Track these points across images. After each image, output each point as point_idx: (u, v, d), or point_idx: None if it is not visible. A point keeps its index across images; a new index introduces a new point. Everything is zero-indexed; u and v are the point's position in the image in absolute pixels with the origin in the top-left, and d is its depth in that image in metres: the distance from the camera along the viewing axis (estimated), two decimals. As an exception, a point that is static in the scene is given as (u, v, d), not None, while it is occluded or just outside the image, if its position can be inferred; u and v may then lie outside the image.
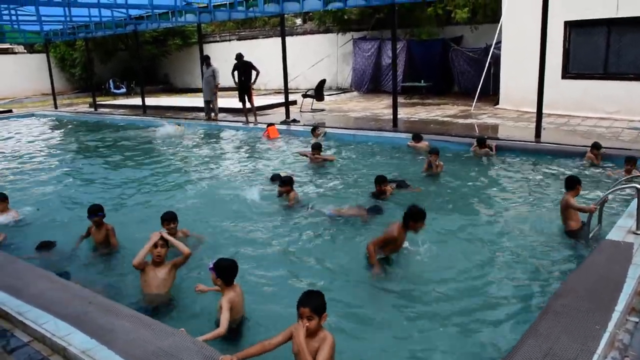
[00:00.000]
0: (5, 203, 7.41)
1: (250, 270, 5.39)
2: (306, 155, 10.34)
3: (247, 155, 12.08)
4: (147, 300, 4.81)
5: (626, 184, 6.15)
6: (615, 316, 3.75)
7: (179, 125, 15.83)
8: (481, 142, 10.36)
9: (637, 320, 3.93)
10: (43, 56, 26.12)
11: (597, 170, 8.87)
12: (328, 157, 10.50)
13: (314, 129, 12.66)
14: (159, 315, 4.49)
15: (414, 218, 5.24)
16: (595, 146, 9.21)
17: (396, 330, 4.32)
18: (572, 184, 6.26)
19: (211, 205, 7.96)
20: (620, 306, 3.88)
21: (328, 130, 13.39)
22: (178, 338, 3.67)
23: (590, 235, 5.76)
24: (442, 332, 4.26)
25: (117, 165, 11.39)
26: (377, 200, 7.60)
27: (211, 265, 4.27)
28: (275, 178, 8.76)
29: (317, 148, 10.23)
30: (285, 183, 7.77)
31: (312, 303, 3.41)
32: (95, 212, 6.10)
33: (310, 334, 3.41)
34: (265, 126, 14.00)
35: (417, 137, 11.15)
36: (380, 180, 7.62)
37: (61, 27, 20.85)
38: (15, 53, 31.39)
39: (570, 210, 6.13)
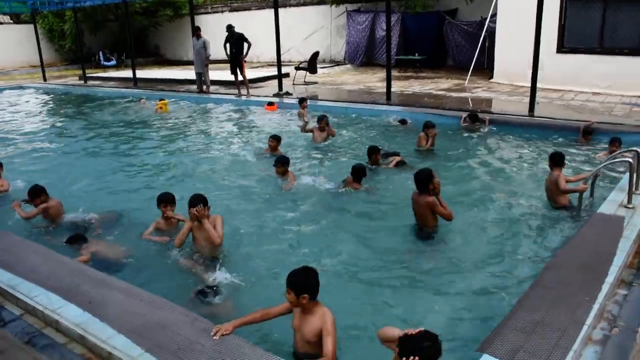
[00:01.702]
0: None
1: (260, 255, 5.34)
2: (312, 131, 9.94)
3: (240, 127, 12.01)
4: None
5: (618, 159, 6.16)
6: (605, 288, 3.79)
7: (144, 99, 15.72)
8: (474, 117, 10.31)
9: (626, 292, 3.97)
10: (30, 27, 25.63)
11: (586, 148, 8.87)
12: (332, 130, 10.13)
13: (302, 100, 12.57)
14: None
15: (429, 178, 5.32)
16: (586, 131, 9.15)
17: (381, 296, 4.43)
18: (561, 160, 6.23)
19: (206, 181, 7.89)
20: (610, 278, 3.92)
21: (321, 103, 13.30)
22: (170, 310, 3.68)
23: (582, 207, 5.80)
24: (429, 304, 4.30)
25: (106, 141, 11.21)
26: (371, 171, 7.58)
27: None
28: (275, 137, 8.87)
29: (323, 119, 9.81)
30: (280, 163, 7.37)
31: (289, 278, 3.42)
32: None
33: (306, 311, 3.44)
34: (259, 99, 13.85)
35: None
36: (373, 151, 7.62)
37: (49, -4, 20.43)
38: (1, 23, 30.73)
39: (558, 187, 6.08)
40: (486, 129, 10.19)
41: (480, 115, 10.50)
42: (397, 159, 7.98)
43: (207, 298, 4.32)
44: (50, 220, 6.14)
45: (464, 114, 10.61)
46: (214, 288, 4.44)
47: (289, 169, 7.48)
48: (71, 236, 5.43)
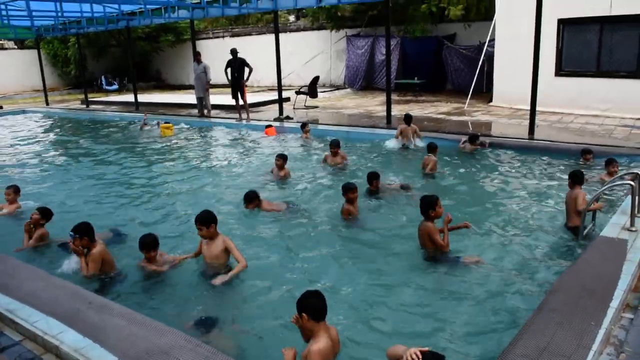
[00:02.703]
0: (17, 195, 7.58)
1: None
2: (326, 161, 9.84)
3: (240, 151, 12.05)
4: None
5: (620, 182, 6.16)
6: (611, 312, 3.75)
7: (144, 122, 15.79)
8: (473, 139, 10.36)
9: (632, 316, 3.93)
10: (34, 52, 25.90)
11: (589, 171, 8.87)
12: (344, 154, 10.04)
13: (304, 125, 12.65)
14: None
15: (432, 205, 5.38)
16: (586, 151, 9.18)
17: (383, 319, 4.39)
18: (581, 177, 6.26)
19: (205, 203, 7.87)
20: (615, 302, 3.88)
21: (322, 127, 13.36)
22: (172, 336, 3.63)
23: (585, 232, 5.78)
24: (433, 330, 4.25)
25: (107, 163, 11.25)
26: (372, 197, 7.58)
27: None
28: (281, 156, 9.01)
29: (335, 145, 9.72)
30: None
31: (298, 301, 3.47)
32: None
33: (306, 334, 3.46)
34: (259, 123, 13.92)
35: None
36: (373, 177, 7.60)
37: (52, 22, 20.66)
38: (5, 49, 31.08)
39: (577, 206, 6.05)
40: (486, 151, 10.22)
41: (481, 138, 10.53)
42: (398, 184, 7.98)
43: (205, 328, 4.24)
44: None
45: (464, 137, 10.66)
46: (213, 318, 4.38)
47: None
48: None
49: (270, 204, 7.25)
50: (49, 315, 3.96)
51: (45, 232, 6.28)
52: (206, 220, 5.20)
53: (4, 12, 16.17)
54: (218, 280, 4.96)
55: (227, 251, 5.27)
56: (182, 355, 3.38)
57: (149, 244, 5.23)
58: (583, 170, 6.68)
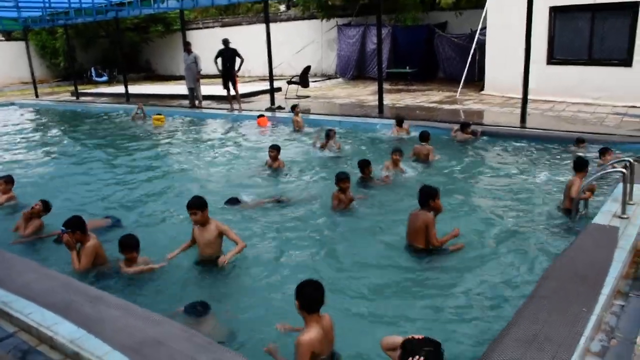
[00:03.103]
0: (10, 185, 7.56)
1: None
2: (323, 147, 9.94)
3: (232, 141, 12.02)
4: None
5: (611, 169, 6.21)
6: (602, 299, 3.79)
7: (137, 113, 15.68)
8: (464, 127, 10.38)
9: (623, 303, 3.98)
10: (22, 44, 25.61)
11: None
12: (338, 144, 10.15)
13: (294, 107, 12.66)
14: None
15: (432, 195, 5.29)
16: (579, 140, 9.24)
17: (377, 309, 4.40)
18: (580, 165, 6.31)
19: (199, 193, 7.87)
20: (606, 289, 3.92)
21: (313, 117, 13.35)
22: (167, 326, 3.64)
23: (577, 217, 5.84)
24: (427, 316, 4.28)
25: (99, 154, 11.20)
26: (364, 185, 7.58)
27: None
28: (275, 147, 8.95)
29: (329, 136, 9.87)
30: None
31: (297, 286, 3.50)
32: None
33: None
34: (250, 113, 13.90)
35: (399, 122, 11.12)
36: (365, 165, 7.60)
37: (40, 13, 20.41)
38: (-8, 40, 30.78)
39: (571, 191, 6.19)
40: (478, 140, 10.25)
41: (473, 127, 10.55)
42: (391, 172, 8.00)
43: (196, 314, 4.24)
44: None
45: (455, 126, 10.68)
46: (203, 304, 4.36)
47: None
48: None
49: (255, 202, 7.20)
50: (44, 307, 3.95)
51: (41, 223, 6.31)
52: (200, 205, 5.23)
53: (-10, 3, 15.97)
54: (222, 260, 5.02)
55: (220, 236, 5.29)
56: (177, 345, 3.38)
57: (129, 245, 5.06)
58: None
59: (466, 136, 10.31)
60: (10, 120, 17.40)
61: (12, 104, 21.69)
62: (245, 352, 3.53)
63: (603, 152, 7.79)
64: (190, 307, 4.28)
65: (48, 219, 6.42)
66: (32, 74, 23.69)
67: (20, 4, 16.23)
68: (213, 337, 3.63)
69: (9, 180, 7.59)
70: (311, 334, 3.36)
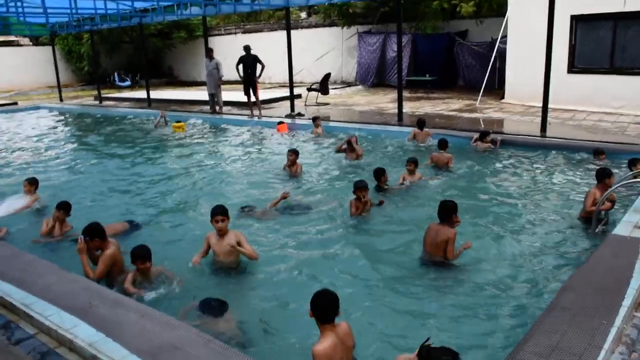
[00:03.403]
0: (34, 186, 7.69)
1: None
2: (343, 151, 9.93)
3: (252, 147, 12.09)
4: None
5: (633, 180, 6.13)
6: (622, 311, 3.73)
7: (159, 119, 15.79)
8: (484, 135, 10.30)
9: (644, 315, 3.91)
10: (49, 49, 26.12)
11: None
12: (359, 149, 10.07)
13: (315, 118, 12.70)
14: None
15: (454, 209, 5.28)
16: (598, 152, 9.12)
17: (395, 316, 4.39)
18: (599, 176, 6.28)
19: (218, 199, 7.89)
20: (627, 301, 3.86)
21: (333, 124, 13.38)
22: (184, 331, 3.67)
23: (597, 229, 5.76)
24: (441, 326, 4.25)
25: (121, 159, 11.34)
26: (379, 193, 7.57)
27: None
28: (294, 151, 9.08)
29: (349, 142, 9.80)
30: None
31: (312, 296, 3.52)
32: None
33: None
34: (271, 119, 14.00)
35: (420, 125, 11.13)
36: (380, 173, 7.58)
37: (67, 19, 20.82)
38: (21, 45, 31.43)
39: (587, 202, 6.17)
40: (496, 149, 10.16)
41: (492, 136, 10.48)
42: (407, 182, 7.97)
43: (210, 312, 4.22)
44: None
45: (475, 135, 10.62)
46: (221, 301, 4.34)
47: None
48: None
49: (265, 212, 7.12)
50: (63, 310, 4.02)
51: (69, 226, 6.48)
52: (227, 212, 5.28)
53: (19, 9, 16.29)
54: (233, 243, 5.14)
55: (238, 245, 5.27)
56: (194, 350, 3.41)
57: (142, 255, 4.88)
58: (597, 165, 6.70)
59: (485, 145, 10.23)
60: (35, 123, 17.73)
61: (38, 107, 22.09)
62: (261, 358, 3.54)
63: (634, 162, 7.66)
64: (204, 304, 4.27)
65: (72, 221, 6.53)
66: (57, 78, 24.14)
67: (48, 10, 16.53)
68: (228, 337, 3.64)
69: (32, 181, 7.73)
70: (324, 344, 3.35)
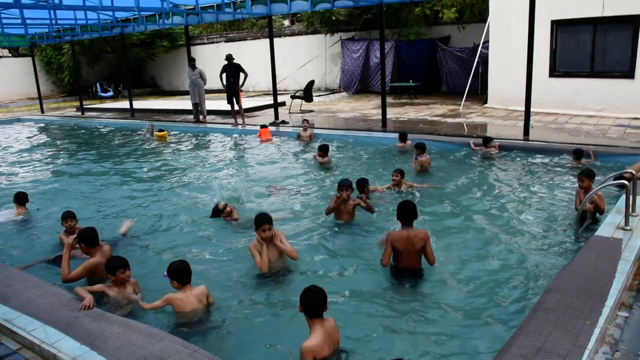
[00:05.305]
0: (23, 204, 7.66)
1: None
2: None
3: (238, 157, 12.05)
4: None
5: (614, 182, 6.20)
6: (606, 311, 3.77)
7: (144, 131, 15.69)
8: (487, 141, 10.29)
9: (627, 315, 3.95)
10: (29, 60, 25.88)
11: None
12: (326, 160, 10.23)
13: (304, 120, 12.88)
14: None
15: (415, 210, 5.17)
16: (576, 153, 9.18)
17: (383, 322, 4.33)
18: (583, 176, 6.37)
19: (194, 212, 7.83)
20: (610, 301, 3.91)
21: (317, 131, 13.40)
22: (169, 342, 3.64)
23: (580, 229, 5.82)
24: (429, 329, 4.25)
25: (103, 171, 11.21)
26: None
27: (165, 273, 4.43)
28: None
29: (323, 150, 10.14)
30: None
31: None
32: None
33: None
34: (255, 127, 14.00)
35: (402, 137, 11.23)
36: (364, 183, 7.45)
37: (47, 30, 20.64)
38: (0, 57, 31.11)
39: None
40: (497, 154, 10.18)
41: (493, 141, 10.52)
42: (384, 188, 7.98)
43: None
44: None
45: (472, 140, 10.72)
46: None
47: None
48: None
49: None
50: (47, 324, 3.97)
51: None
52: (272, 220, 5.21)
53: (-2, 21, 16.14)
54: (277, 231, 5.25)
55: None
56: (179, 361, 3.38)
57: (124, 263, 4.65)
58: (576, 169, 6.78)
59: (487, 150, 10.20)
60: (14, 137, 17.50)
61: (18, 119, 21.83)
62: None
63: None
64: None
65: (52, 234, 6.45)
66: (38, 89, 23.91)
67: (27, 21, 16.38)
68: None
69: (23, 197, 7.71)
70: (313, 340, 3.50)
